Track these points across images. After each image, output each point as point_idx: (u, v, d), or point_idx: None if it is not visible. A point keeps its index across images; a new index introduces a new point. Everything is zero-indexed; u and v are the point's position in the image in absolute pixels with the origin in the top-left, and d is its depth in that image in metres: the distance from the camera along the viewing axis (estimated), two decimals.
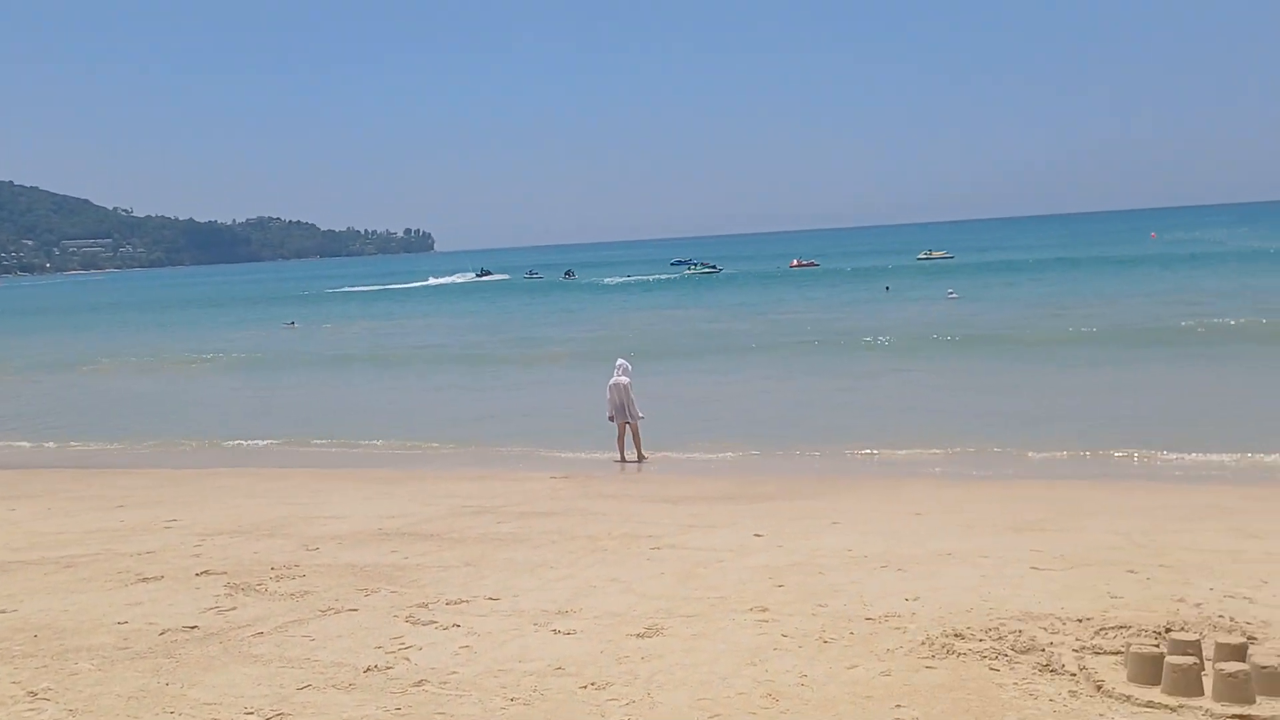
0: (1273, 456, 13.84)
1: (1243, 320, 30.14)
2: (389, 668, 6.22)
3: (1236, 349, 25.16)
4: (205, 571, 9.01)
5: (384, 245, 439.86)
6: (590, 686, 5.78)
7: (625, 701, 5.56)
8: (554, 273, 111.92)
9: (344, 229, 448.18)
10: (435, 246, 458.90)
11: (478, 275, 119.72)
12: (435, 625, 7.07)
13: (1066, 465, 14.32)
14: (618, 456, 16.32)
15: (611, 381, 16.36)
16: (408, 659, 6.37)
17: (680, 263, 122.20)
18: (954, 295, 48.87)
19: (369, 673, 6.15)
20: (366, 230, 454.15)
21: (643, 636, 6.68)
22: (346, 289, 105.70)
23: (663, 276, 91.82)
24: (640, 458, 16.18)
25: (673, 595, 7.70)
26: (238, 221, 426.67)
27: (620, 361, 16.91)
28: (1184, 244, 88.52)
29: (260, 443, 20.15)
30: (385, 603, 7.76)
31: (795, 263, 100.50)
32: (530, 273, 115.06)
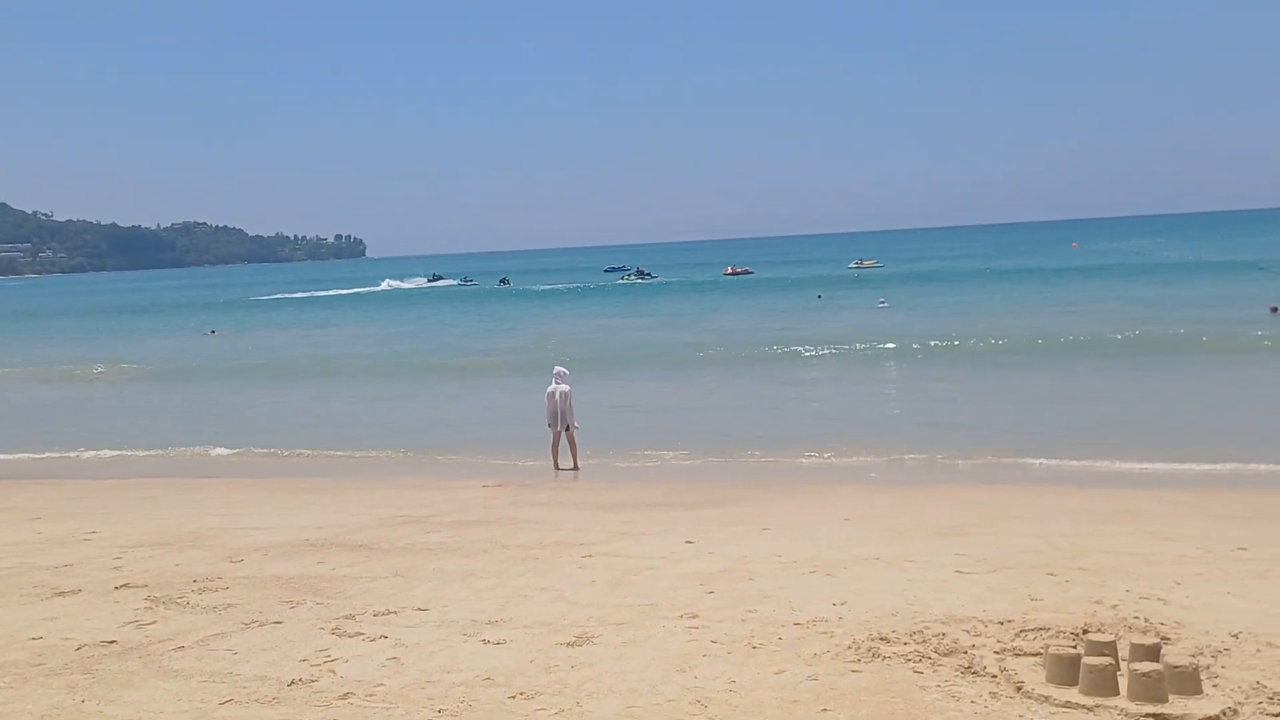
0: (1185, 465, 14.26)
1: (1142, 330, 31.03)
2: (314, 681, 6.13)
3: (1149, 358, 25.90)
4: (125, 585, 8.79)
5: (314, 251, 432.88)
6: (519, 696, 5.76)
7: (554, 711, 5.55)
8: (488, 280, 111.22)
9: (273, 234, 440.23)
10: (367, 252, 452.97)
11: (429, 280, 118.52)
12: (362, 637, 6.98)
13: (990, 471, 14.59)
14: (553, 465, 16.26)
15: (550, 389, 16.28)
16: (333, 672, 6.28)
17: (614, 269, 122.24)
18: (885, 304, 49.65)
19: (293, 686, 6.05)
20: (296, 236, 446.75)
21: (573, 645, 6.67)
22: (282, 295, 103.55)
23: (597, 284, 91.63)
24: (575, 466, 16.14)
25: (604, 603, 7.71)
26: (163, 226, 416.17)
27: (559, 369, 16.86)
28: (1104, 254, 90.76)
29: (186, 450, 19.67)
30: (311, 615, 7.64)
31: (729, 270, 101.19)
32: (465, 280, 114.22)
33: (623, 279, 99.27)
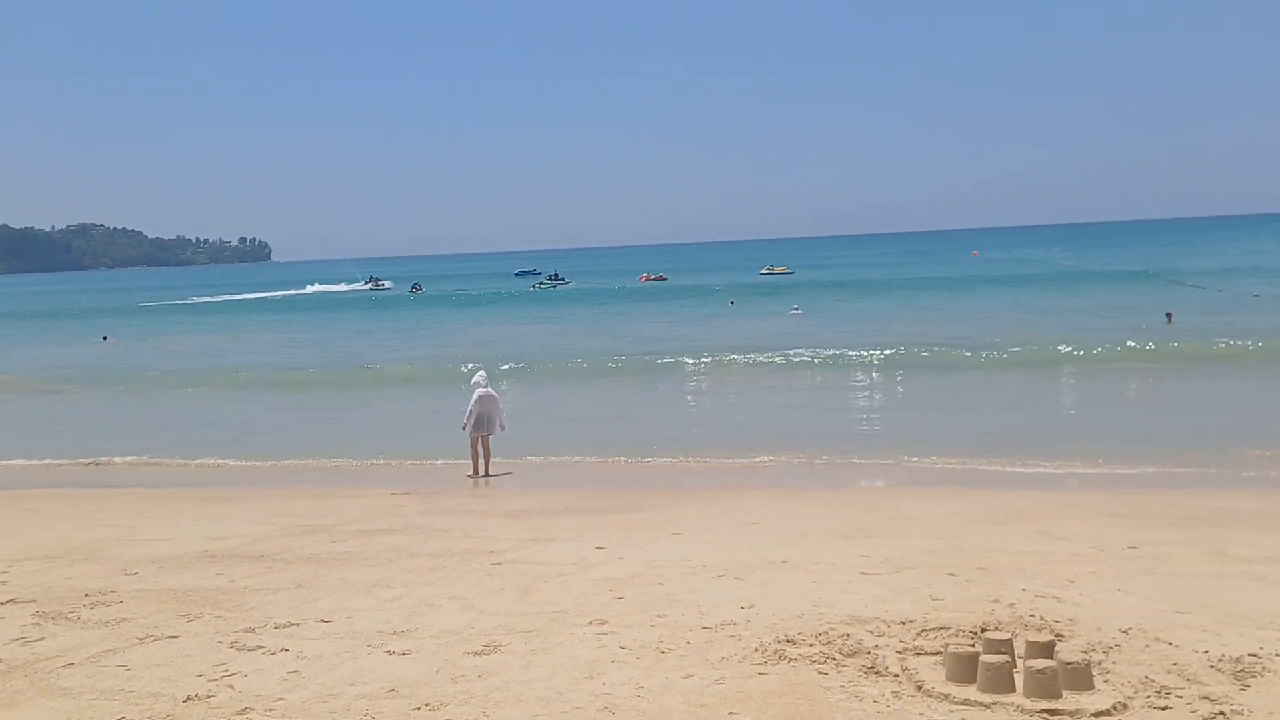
0: (1077, 466, 14.77)
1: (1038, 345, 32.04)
2: (210, 696, 5.95)
3: (1042, 368, 26.73)
4: (11, 600, 8.42)
5: (217, 254, 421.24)
6: (424, 708, 5.67)
7: None
8: (402, 284, 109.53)
9: (174, 237, 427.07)
10: (272, 256, 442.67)
11: (366, 283, 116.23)
12: (262, 650, 6.80)
13: (894, 474, 14.89)
14: (471, 471, 16.03)
15: (480, 393, 16.08)
16: (231, 686, 6.11)
17: (525, 273, 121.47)
18: (798, 311, 50.34)
19: (189, 702, 5.87)
20: (198, 239, 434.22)
21: (480, 654, 6.60)
22: (184, 300, 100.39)
23: (511, 290, 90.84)
24: (487, 473, 15.97)
25: (512, 611, 7.65)
26: (57, 228, 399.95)
27: (480, 373, 16.72)
28: (1004, 263, 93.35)
29: (78, 461, 18.95)
30: (208, 628, 7.42)
31: (644, 277, 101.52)
32: (375, 282, 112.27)
33: (536, 285, 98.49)
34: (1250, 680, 5.64)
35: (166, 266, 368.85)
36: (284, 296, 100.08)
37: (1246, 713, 5.20)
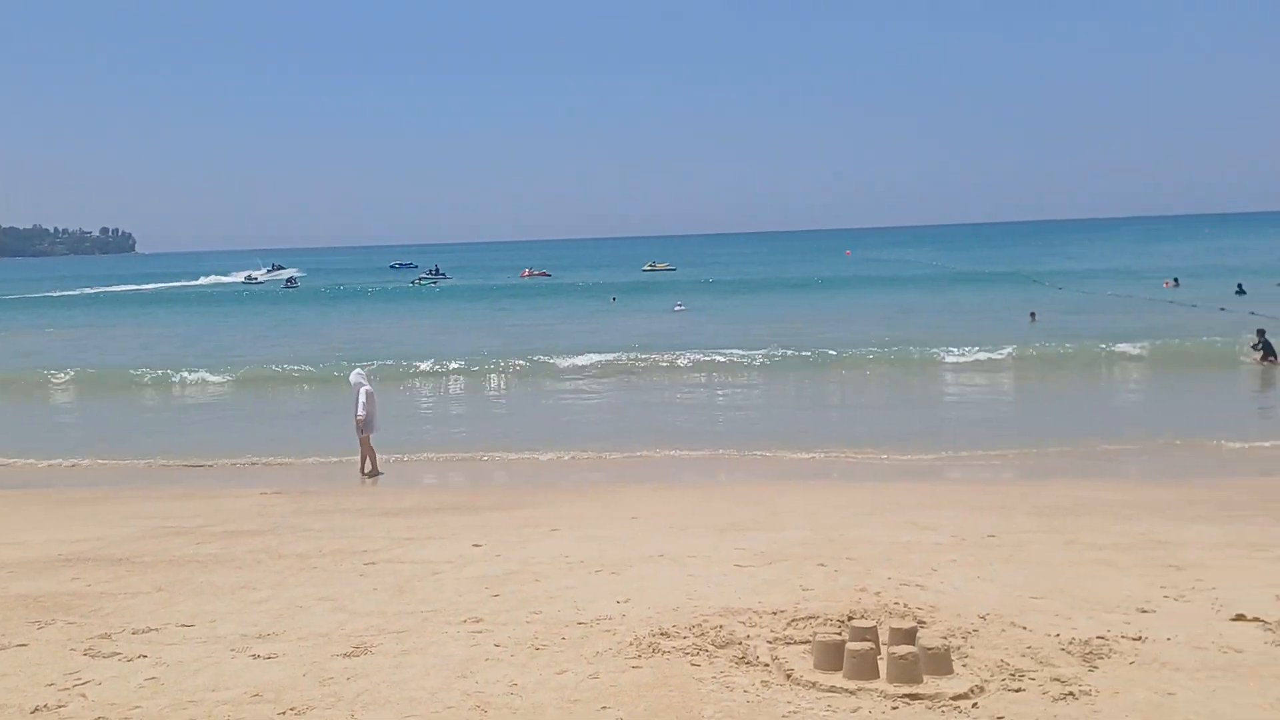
0: (945, 459, 15.32)
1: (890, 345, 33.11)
2: (61, 706, 5.68)
3: (904, 366, 27.62)
4: None
5: (76, 245, 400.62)
6: (290, 712, 5.53)
7: None
8: (274, 281, 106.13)
9: (30, 226, 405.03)
10: (137, 247, 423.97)
11: (269, 271, 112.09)
12: (118, 657, 6.52)
13: (770, 469, 15.16)
14: (360, 470, 15.64)
15: (366, 389, 15.72)
16: (84, 696, 5.84)
17: (403, 267, 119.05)
18: (681, 308, 50.75)
19: (38, 713, 5.59)
20: (57, 229, 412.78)
21: (350, 656, 6.46)
22: (63, 292, 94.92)
23: (391, 285, 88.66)
24: (376, 470, 15.62)
25: (385, 611, 7.51)
26: None
27: (359, 370, 16.36)
28: (875, 264, 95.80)
29: None
30: (61, 635, 7.07)
31: (527, 273, 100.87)
32: (249, 277, 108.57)
33: (417, 280, 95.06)
34: (1098, 661, 5.93)
35: (22, 257, 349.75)
36: (160, 290, 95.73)
37: (1094, 692, 5.46)
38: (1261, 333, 25.41)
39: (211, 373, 29.14)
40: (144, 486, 15.29)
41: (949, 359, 27.31)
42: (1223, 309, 35.72)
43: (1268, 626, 6.50)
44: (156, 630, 7.12)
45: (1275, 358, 24.30)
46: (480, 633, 6.86)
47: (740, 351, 29.39)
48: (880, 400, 22.43)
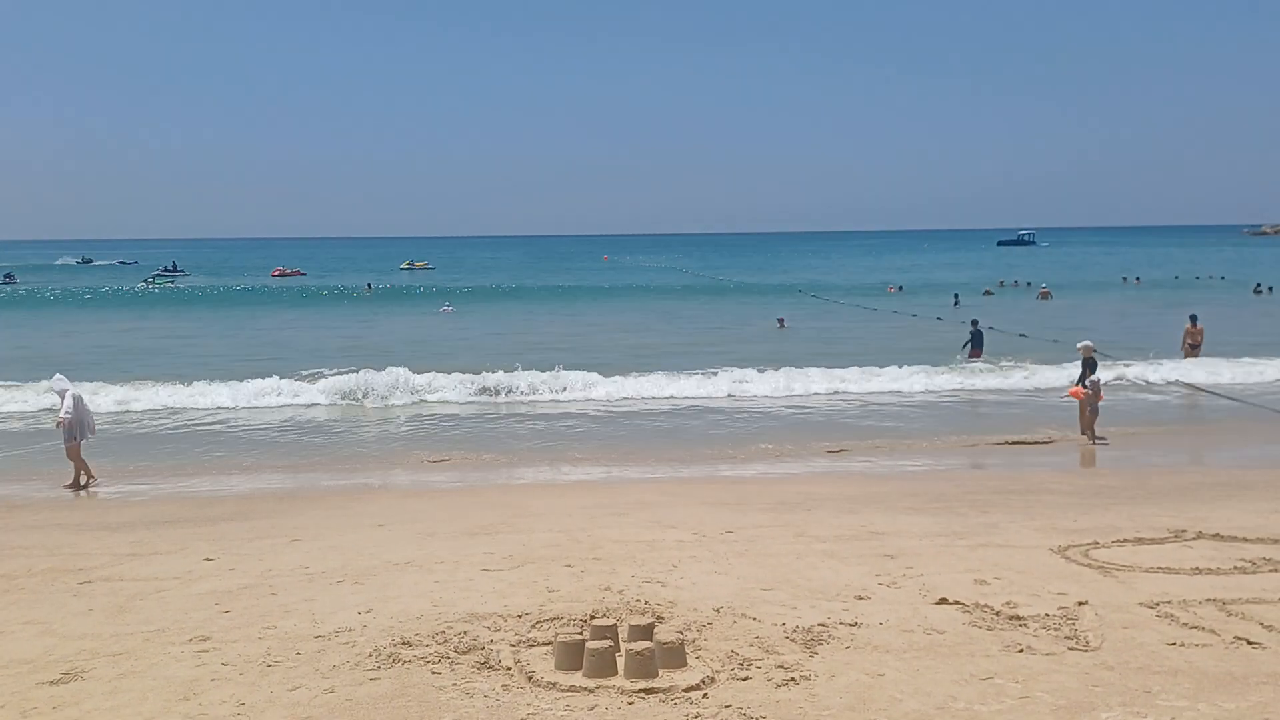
0: (691, 461, 15.91)
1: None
2: None
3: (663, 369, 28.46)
4: None
5: None
6: None
7: None
8: None
9: None
10: None
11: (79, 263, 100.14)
12: None
13: (519, 471, 15.19)
14: (71, 481, 14.23)
15: (72, 393, 14.36)
16: None
17: (130, 264, 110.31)
18: (449, 309, 49.87)
19: None
20: None
21: (58, 683, 5.98)
22: None
23: (120, 286, 79.61)
24: (89, 481, 14.35)
25: (100, 634, 6.99)
26: None
27: (59, 375, 14.99)
28: (634, 271, 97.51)
29: None
30: None
31: (278, 271, 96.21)
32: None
33: (150, 280, 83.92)
34: (818, 647, 6.34)
35: None
36: None
37: (813, 676, 5.84)
38: (974, 322, 27.90)
39: None
40: None
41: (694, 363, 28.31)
42: (939, 319, 38.87)
43: (966, 609, 7.16)
44: None
45: (981, 351, 26.77)
46: (207, 651, 6.51)
47: (499, 357, 29.26)
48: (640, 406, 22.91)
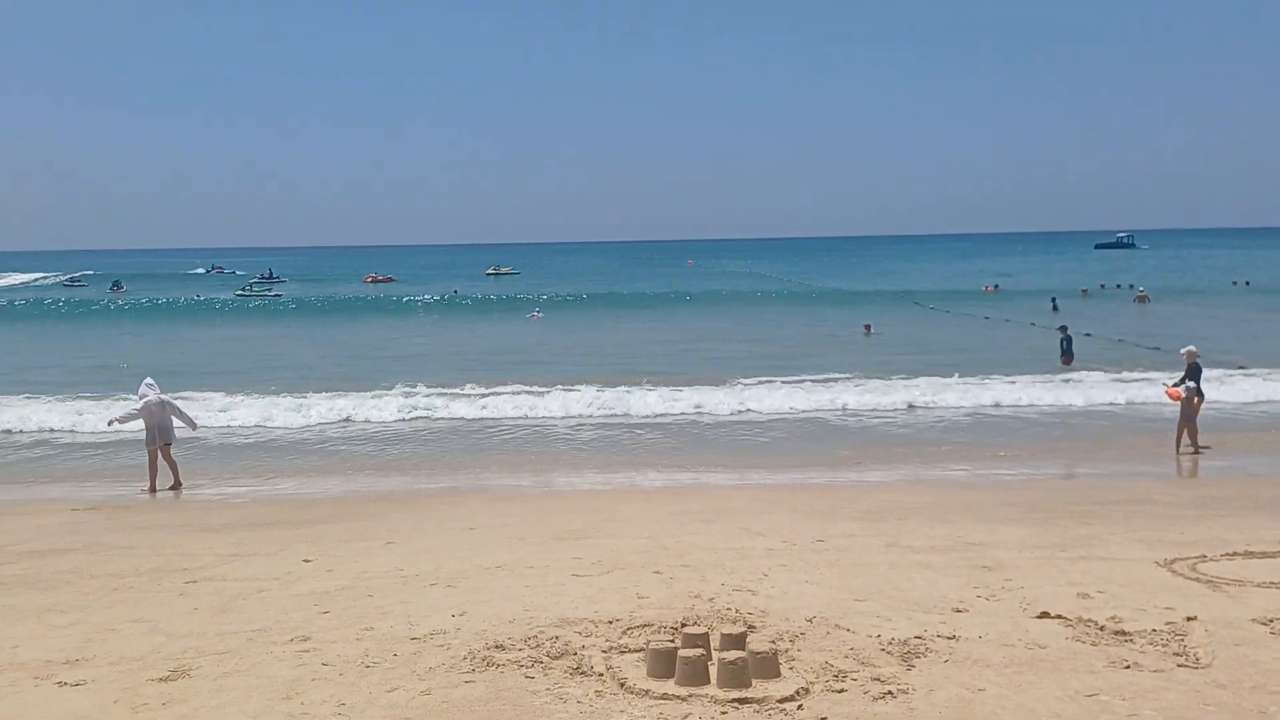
0: (763, 475, 15.79)
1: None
2: None
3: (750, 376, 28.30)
4: None
5: None
6: None
7: None
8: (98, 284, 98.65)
9: None
10: None
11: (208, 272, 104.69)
12: None
13: (603, 477, 15.24)
14: (148, 486, 14.80)
15: (145, 401, 14.90)
16: None
17: (220, 273, 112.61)
18: (538, 315, 50.45)
19: None
20: None
21: (166, 680, 6.16)
22: None
23: (214, 295, 78.72)
24: (176, 483, 14.87)
25: (205, 632, 7.19)
26: None
27: (148, 379, 15.54)
28: (718, 276, 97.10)
29: None
30: None
31: (370, 277, 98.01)
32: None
33: (247, 288, 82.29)
34: (915, 660, 6.21)
35: None
36: None
37: (911, 690, 5.72)
38: (1064, 328, 27.37)
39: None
40: None
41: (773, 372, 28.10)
42: (1033, 324, 37.87)
43: (1069, 623, 6.95)
44: None
45: (1072, 357, 26.26)
46: (308, 651, 6.65)
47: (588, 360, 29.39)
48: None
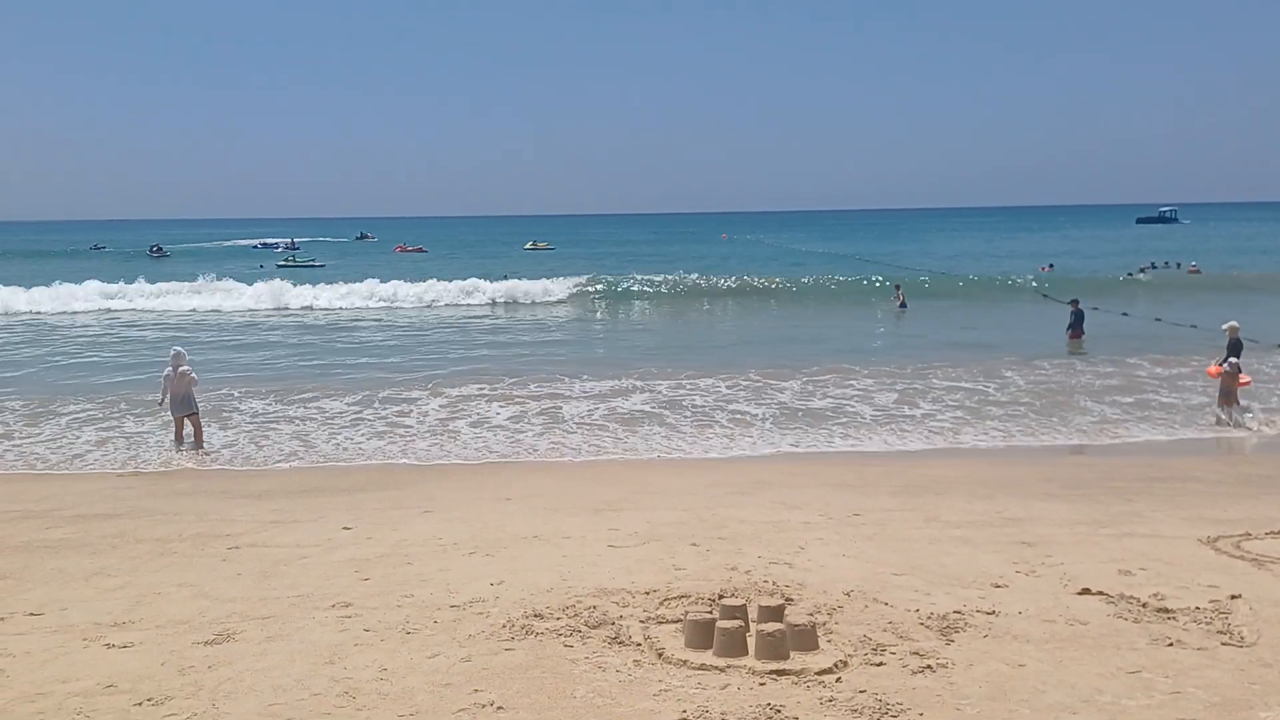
0: (804, 447, 15.68)
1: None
2: None
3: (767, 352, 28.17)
4: None
5: None
6: (147, 703, 5.33)
7: (187, 715, 5.19)
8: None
9: None
10: None
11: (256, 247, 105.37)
12: None
13: (641, 448, 15.21)
14: (176, 452, 15.04)
15: (168, 371, 15.22)
16: None
17: (268, 247, 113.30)
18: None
19: None
20: None
21: (211, 644, 6.27)
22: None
23: (256, 269, 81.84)
24: (198, 444, 15.11)
25: (248, 597, 7.30)
26: None
27: (177, 349, 15.75)
28: (750, 245, 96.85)
29: None
30: None
31: (400, 248, 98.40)
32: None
33: (290, 260, 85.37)
34: (954, 635, 6.20)
35: None
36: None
37: (950, 665, 5.71)
38: (1075, 302, 26.66)
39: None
40: None
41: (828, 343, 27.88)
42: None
43: (1110, 599, 6.90)
44: (2, 620, 6.77)
45: (1083, 332, 25.70)
46: (349, 618, 6.74)
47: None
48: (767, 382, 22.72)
